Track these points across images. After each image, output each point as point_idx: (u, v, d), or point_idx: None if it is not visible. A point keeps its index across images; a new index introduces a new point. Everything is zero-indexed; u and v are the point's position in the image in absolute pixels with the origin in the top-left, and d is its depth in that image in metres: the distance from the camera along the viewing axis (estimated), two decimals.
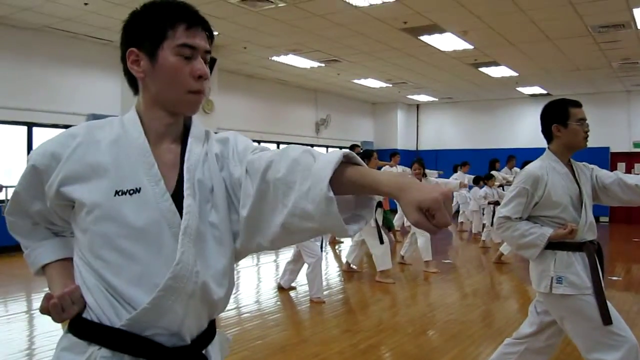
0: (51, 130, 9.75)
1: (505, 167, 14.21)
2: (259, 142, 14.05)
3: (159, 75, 1.27)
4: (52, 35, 9.52)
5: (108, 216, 1.19)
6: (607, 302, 2.57)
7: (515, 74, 12.93)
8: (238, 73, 13.03)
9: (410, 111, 19.09)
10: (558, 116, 2.80)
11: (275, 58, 11.45)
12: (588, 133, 2.78)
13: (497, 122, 17.38)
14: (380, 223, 6.99)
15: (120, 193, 1.20)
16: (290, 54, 11.05)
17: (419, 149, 19.12)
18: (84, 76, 10.13)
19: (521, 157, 15.94)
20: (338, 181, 1.11)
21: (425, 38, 9.66)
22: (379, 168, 10.11)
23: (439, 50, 10.48)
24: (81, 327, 1.22)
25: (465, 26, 8.96)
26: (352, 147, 10.22)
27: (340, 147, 17.37)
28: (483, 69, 12.48)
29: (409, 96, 17.03)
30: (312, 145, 15.94)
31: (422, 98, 17.43)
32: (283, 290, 6.32)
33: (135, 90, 1.35)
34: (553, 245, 2.68)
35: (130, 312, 1.17)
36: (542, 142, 3.04)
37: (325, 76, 13.49)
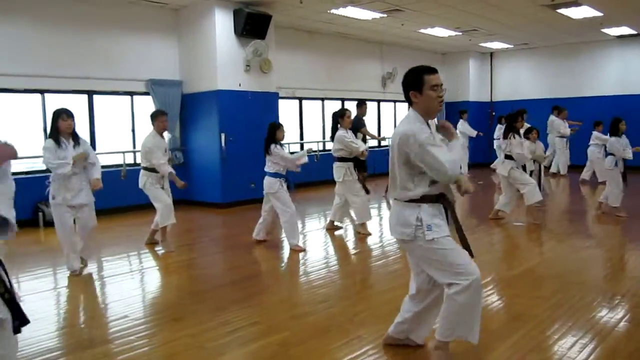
0: (111, 98, 9.79)
1: (557, 118, 13.63)
2: (322, 99, 13.65)
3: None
4: (107, 2, 9.44)
5: None
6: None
7: (599, 14, 11.68)
8: (297, 29, 12.56)
9: (483, 60, 17.96)
10: (413, 84, 3.05)
11: (334, 11, 10.88)
12: (442, 97, 3.08)
13: (579, 68, 15.98)
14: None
15: None
16: (349, 5, 10.44)
17: (493, 100, 18.06)
18: (141, 41, 10.04)
19: (608, 105, 14.81)
20: None
21: None
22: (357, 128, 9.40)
23: None
24: None
25: None
26: (360, 104, 9.78)
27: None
28: (562, 10, 11.33)
29: (482, 44, 15.94)
30: (378, 101, 15.47)
31: (496, 45, 16.28)
32: (259, 242, 6.95)
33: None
34: (418, 199, 3.07)
35: None
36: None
37: (389, 27, 12.77)
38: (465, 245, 3.12)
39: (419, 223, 3.05)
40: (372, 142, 15.14)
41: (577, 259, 6.09)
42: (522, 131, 8.05)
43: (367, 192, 7.42)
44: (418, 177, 3.07)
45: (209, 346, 3.74)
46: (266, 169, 6.64)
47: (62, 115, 5.65)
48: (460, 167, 3.15)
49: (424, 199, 3.07)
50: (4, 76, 8.39)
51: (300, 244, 6.67)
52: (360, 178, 7.47)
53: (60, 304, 5.08)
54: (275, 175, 6.57)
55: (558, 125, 13.75)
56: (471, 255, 3.10)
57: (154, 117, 6.66)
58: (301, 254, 6.47)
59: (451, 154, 3.04)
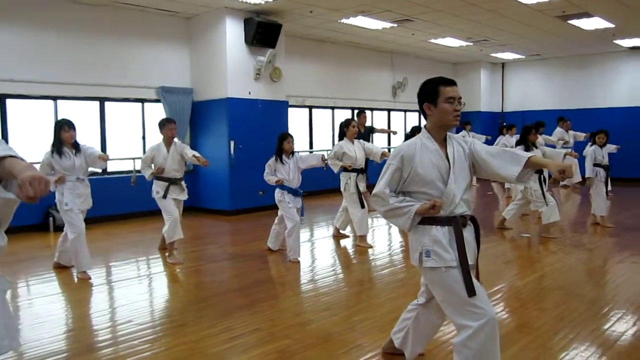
0: (123, 105, 9.90)
1: (560, 129, 13.59)
2: (332, 108, 13.70)
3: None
4: (120, 11, 9.57)
5: None
6: (472, 276, 2.76)
7: (611, 25, 11.65)
8: (307, 38, 12.64)
9: (494, 71, 17.94)
10: (429, 95, 2.89)
11: (344, 20, 10.95)
12: (459, 111, 2.87)
13: (591, 79, 15.90)
14: (361, 189, 7.26)
15: None
16: (360, 15, 10.50)
17: (504, 110, 18.02)
18: (152, 49, 10.16)
19: (620, 117, 14.75)
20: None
21: None
22: (370, 131, 10.76)
23: (520, 2, 9.55)
24: None
25: None
26: (359, 114, 10.15)
27: (418, 111, 16.59)
28: (573, 22, 11.31)
29: (493, 54, 15.93)
30: (389, 110, 15.48)
31: (507, 56, 16.26)
32: (272, 251, 6.97)
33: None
34: (425, 220, 2.82)
35: None
36: None
37: (399, 37, 12.81)
38: (467, 281, 2.74)
39: (420, 247, 2.84)
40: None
41: (582, 271, 6.06)
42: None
43: (362, 206, 7.18)
44: (412, 195, 2.92)
45: (211, 352, 3.77)
46: None
47: (64, 127, 5.77)
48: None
49: (426, 220, 2.83)
50: (19, 82, 8.54)
51: (298, 257, 6.51)
52: (362, 191, 7.34)
53: (66, 307, 5.14)
54: (277, 185, 6.57)
55: (561, 134, 13.61)
56: (470, 294, 2.72)
57: (162, 125, 6.63)
58: (306, 262, 6.51)
59: (390, 198, 2.87)
